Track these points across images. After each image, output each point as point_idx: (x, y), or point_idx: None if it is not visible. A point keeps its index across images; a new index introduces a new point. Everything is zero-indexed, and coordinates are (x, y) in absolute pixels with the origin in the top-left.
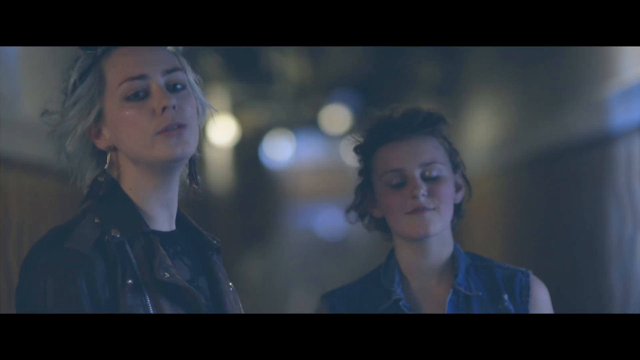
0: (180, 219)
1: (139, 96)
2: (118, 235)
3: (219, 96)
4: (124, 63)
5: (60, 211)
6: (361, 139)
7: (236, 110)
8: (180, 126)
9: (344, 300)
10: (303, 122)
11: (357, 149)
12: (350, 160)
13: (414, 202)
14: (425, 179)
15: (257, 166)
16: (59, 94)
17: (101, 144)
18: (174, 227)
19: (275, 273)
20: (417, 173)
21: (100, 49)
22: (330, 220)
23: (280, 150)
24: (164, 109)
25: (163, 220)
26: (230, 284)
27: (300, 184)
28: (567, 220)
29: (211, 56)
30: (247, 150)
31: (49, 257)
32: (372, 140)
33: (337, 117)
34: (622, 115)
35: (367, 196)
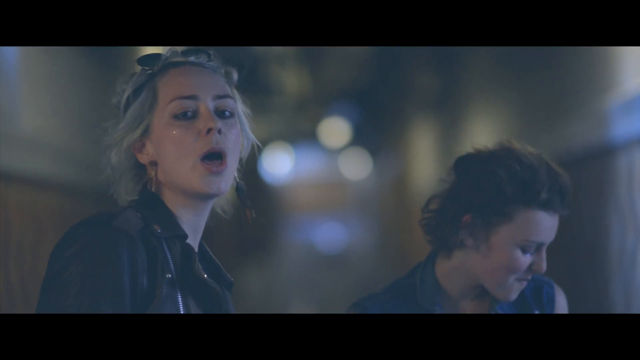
0: (201, 249)
1: (187, 116)
2: (159, 231)
3: None
4: (178, 82)
5: (61, 226)
6: (507, 180)
7: None
8: (222, 158)
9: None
10: (302, 135)
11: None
12: (349, 173)
13: (529, 274)
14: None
15: (256, 179)
16: (112, 108)
17: (143, 158)
18: (196, 250)
19: (275, 286)
20: (545, 248)
21: (156, 67)
22: (329, 234)
23: (279, 163)
24: (209, 130)
25: (189, 238)
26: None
27: (299, 198)
28: (568, 232)
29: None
30: (246, 163)
31: (95, 232)
32: (519, 190)
33: (336, 130)
34: (623, 127)
35: (480, 233)
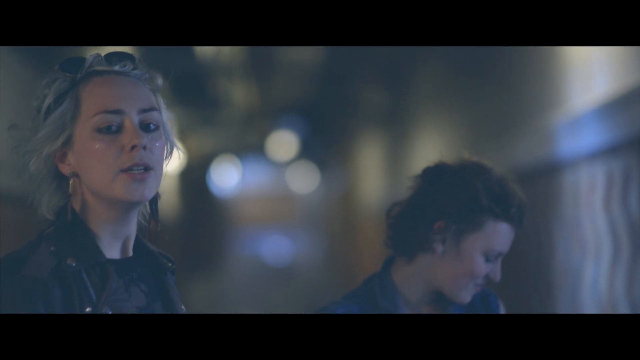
0: (137, 243)
1: (111, 130)
2: (74, 264)
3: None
4: (102, 94)
5: (15, 237)
6: (484, 196)
7: (182, 136)
8: (147, 169)
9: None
10: (249, 148)
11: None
12: (296, 187)
13: (487, 281)
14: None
15: (203, 193)
16: (27, 109)
17: (65, 169)
18: (130, 254)
19: (223, 299)
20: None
21: (79, 75)
22: (276, 247)
23: (227, 176)
24: (133, 147)
25: (117, 249)
26: (183, 306)
27: (247, 211)
28: (513, 250)
29: (170, 78)
30: (193, 176)
31: (5, 284)
32: (491, 201)
33: (283, 143)
34: (569, 144)
35: (453, 239)
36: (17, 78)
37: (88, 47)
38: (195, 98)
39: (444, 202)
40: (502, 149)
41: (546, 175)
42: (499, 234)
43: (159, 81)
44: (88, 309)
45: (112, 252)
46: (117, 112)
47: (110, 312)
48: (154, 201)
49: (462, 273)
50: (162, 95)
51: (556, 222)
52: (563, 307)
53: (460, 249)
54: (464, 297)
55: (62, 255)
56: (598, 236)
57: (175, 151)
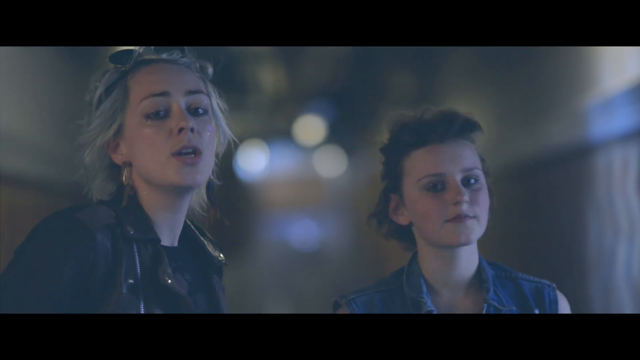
0: (187, 233)
1: (159, 115)
2: (132, 232)
3: None
4: (149, 80)
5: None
6: (387, 140)
7: None
8: (196, 153)
9: (365, 308)
10: (277, 133)
11: (384, 150)
12: (324, 171)
13: (456, 208)
14: (466, 184)
15: (231, 178)
16: (85, 106)
17: (117, 159)
18: (176, 244)
19: (250, 284)
20: (458, 178)
21: (128, 65)
22: (304, 231)
23: (255, 161)
24: (180, 129)
25: (165, 238)
26: (225, 304)
27: (275, 195)
28: (546, 232)
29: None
30: (221, 161)
31: (55, 220)
32: (403, 142)
33: (311, 128)
34: (601, 126)
35: (393, 200)
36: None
37: (110, 49)
38: (224, 83)
39: (383, 180)
40: (534, 131)
41: (579, 157)
42: (419, 163)
43: (210, 70)
44: (131, 281)
45: (162, 239)
46: (163, 94)
47: (168, 282)
48: (211, 188)
49: (423, 220)
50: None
51: (589, 204)
52: (596, 291)
53: (406, 203)
54: (452, 239)
55: (121, 221)
56: (631, 218)
57: (229, 140)
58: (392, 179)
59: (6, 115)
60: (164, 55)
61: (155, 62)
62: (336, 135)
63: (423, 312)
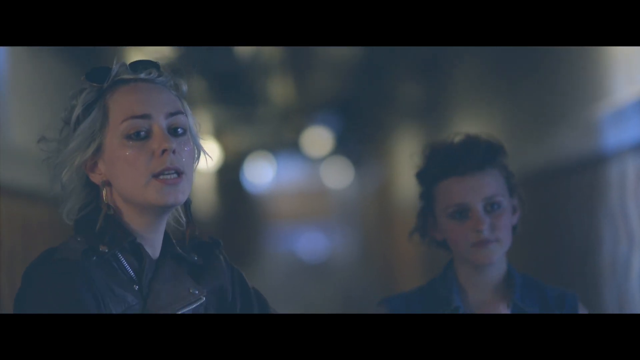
0: (165, 245)
1: (140, 136)
2: (106, 250)
3: (201, 119)
4: (129, 100)
5: (51, 237)
6: (422, 166)
7: (218, 134)
8: (178, 173)
9: (402, 306)
10: (285, 145)
11: (418, 176)
12: (332, 182)
13: (478, 235)
14: (488, 211)
15: (238, 189)
16: (56, 121)
17: (96, 178)
18: (157, 257)
19: None
20: (480, 207)
21: (106, 83)
22: (311, 243)
23: (262, 173)
24: (163, 151)
25: (149, 252)
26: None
27: (282, 207)
28: (560, 242)
29: (194, 79)
30: (228, 173)
31: (40, 272)
32: (433, 170)
33: (318, 139)
34: (614, 136)
35: (429, 220)
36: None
37: (119, 49)
38: (232, 96)
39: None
40: (546, 141)
41: (592, 167)
42: (446, 193)
43: (184, 87)
44: (136, 287)
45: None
46: (144, 116)
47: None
48: (188, 206)
49: (452, 243)
50: (200, 94)
51: (603, 214)
52: (611, 301)
53: (438, 227)
54: (478, 259)
55: (91, 243)
56: None
57: (202, 155)
58: (427, 201)
59: (18, 128)
60: (142, 75)
61: (134, 82)
62: (343, 147)
63: (451, 307)
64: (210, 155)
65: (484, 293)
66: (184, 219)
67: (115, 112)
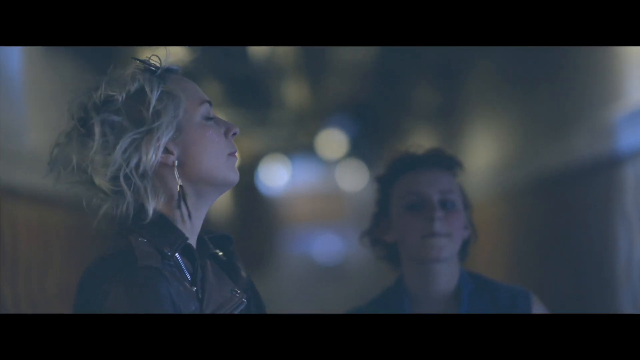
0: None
1: (212, 120)
2: (169, 252)
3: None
4: (193, 88)
5: (67, 242)
6: (383, 171)
7: (235, 138)
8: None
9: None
10: (299, 147)
11: (379, 179)
12: (346, 185)
13: (430, 225)
14: (442, 205)
15: (253, 192)
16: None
17: (167, 160)
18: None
19: (273, 299)
20: (435, 198)
21: (161, 70)
22: (327, 245)
23: (277, 176)
24: (234, 134)
25: (194, 238)
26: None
27: (297, 210)
28: (575, 245)
29: (209, 82)
30: (243, 176)
31: (124, 280)
32: (394, 170)
33: (333, 142)
34: (629, 137)
35: (382, 222)
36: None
37: (132, 49)
38: (247, 99)
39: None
40: (561, 143)
41: (607, 169)
42: (406, 181)
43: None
44: (194, 289)
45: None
46: (209, 102)
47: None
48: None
49: (403, 236)
50: (216, 97)
51: (618, 215)
52: (626, 303)
53: (391, 220)
54: (427, 253)
55: (156, 245)
56: None
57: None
58: (383, 203)
59: (35, 134)
60: (174, 67)
61: (175, 73)
62: (358, 150)
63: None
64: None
65: (434, 305)
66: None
67: (187, 97)
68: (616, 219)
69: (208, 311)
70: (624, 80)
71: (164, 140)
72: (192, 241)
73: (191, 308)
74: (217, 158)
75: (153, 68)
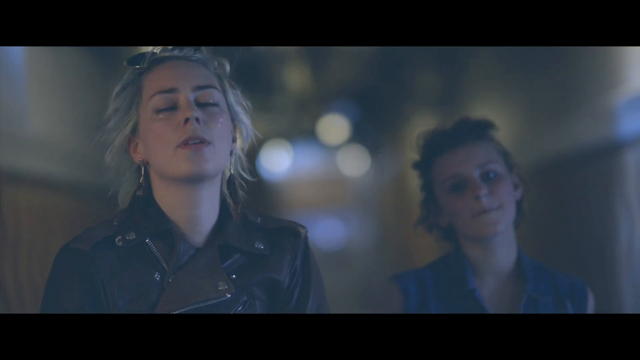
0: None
1: (168, 109)
2: (134, 237)
3: None
4: (159, 77)
5: (69, 226)
6: (417, 156)
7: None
8: (203, 142)
9: (414, 282)
10: (301, 133)
11: (416, 166)
12: (348, 170)
13: (478, 203)
14: (484, 179)
15: (255, 177)
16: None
17: (136, 158)
18: (202, 245)
19: None
20: (476, 174)
21: (144, 65)
22: (329, 230)
23: (279, 161)
24: (186, 120)
25: (189, 237)
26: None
27: (299, 195)
28: (576, 230)
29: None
30: (249, 162)
31: (60, 256)
32: (428, 153)
33: (335, 127)
34: (630, 123)
35: (432, 208)
36: (101, 81)
37: (138, 49)
38: (249, 84)
39: (424, 186)
40: (562, 129)
41: (608, 155)
42: (442, 166)
43: (227, 67)
44: (157, 276)
45: (185, 239)
46: (171, 90)
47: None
48: (232, 182)
49: (455, 217)
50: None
51: (619, 202)
52: (627, 289)
53: (439, 203)
54: (480, 230)
55: (123, 229)
56: None
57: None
58: (427, 188)
59: (37, 119)
60: (176, 52)
61: (169, 60)
62: (360, 135)
63: (467, 289)
64: (258, 134)
65: (496, 280)
66: (230, 196)
67: (147, 89)
68: (617, 205)
69: (167, 299)
70: (626, 66)
71: (118, 139)
72: (189, 230)
73: (139, 291)
74: (164, 152)
75: (136, 67)
